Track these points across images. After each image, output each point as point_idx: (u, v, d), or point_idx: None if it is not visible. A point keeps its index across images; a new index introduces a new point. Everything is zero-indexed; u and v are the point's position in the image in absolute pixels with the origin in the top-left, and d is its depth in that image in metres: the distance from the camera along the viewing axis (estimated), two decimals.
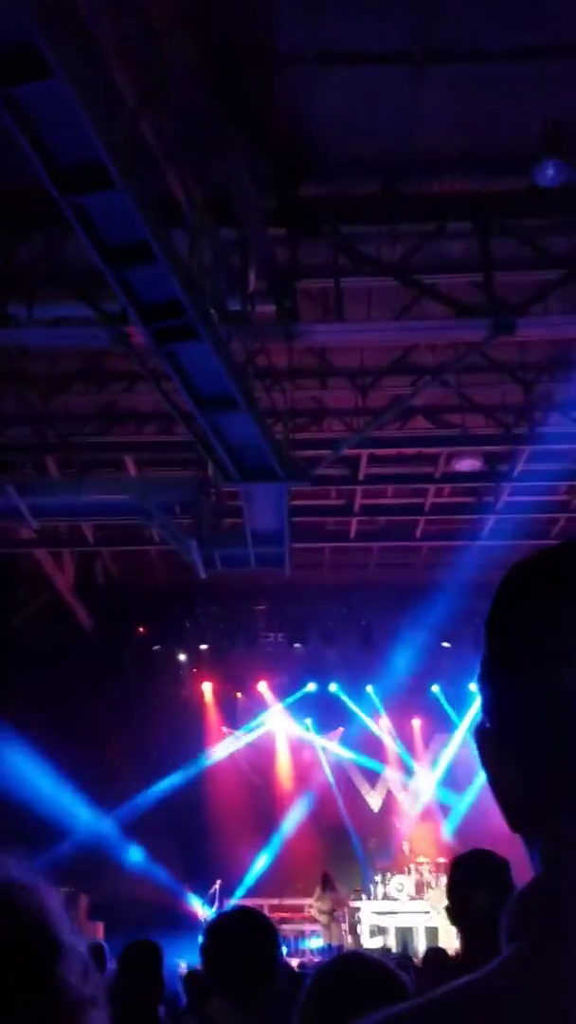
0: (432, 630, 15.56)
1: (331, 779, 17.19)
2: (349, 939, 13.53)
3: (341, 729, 17.34)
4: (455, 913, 2.52)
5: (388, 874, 14.26)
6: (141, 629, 16.94)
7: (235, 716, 17.36)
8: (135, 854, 15.30)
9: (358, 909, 13.99)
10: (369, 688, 17.12)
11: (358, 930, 13.79)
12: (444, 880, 7.74)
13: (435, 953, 6.88)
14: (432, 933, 12.66)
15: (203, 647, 17.07)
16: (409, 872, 14.12)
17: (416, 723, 17.17)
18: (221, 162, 6.90)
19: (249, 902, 13.28)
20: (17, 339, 8.93)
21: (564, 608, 0.67)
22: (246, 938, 2.27)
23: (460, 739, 16.46)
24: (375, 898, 14.05)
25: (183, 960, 10.42)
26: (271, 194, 7.78)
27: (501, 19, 6.48)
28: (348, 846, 16.25)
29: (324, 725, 17.41)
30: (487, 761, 0.70)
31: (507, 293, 8.48)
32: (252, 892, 15.33)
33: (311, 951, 13.51)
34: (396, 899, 13.78)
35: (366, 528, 14.33)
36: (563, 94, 7.00)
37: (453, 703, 16.68)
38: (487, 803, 0.75)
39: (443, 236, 8.43)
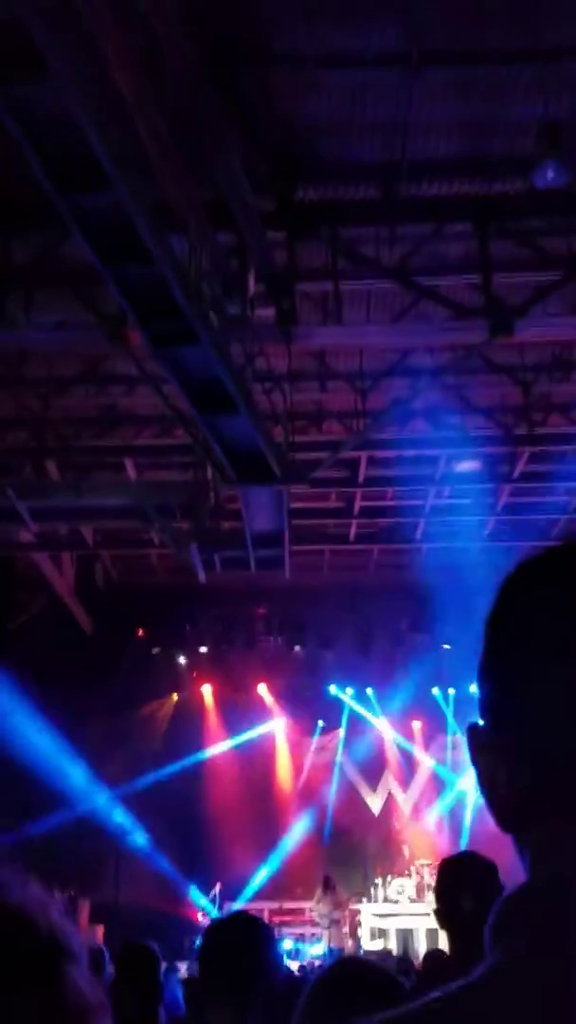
0: (432, 632, 15.55)
1: (331, 782, 17.17)
2: (350, 942, 13.51)
3: (341, 731, 17.33)
4: (443, 916, 2.52)
5: (389, 877, 14.24)
6: (141, 632, 16.93)
7: (235, 718, 17.34)
8: (139, 838, 15.28)
9: (359, 912, 13.98)
10: (369, 691, 17.11)
11: (359, 933, 13.77)
12: None
13: (436, 955, 6.86)
14: (433, 935, 12.62)
15: (203, 650, 17.06)
16: (410, 875, 14.11)
17: (416, 725, 17.15)
18: (219, 164, 6.90)
19: (250, 906, 13.27)
20: (15, 341, 8.93)
21: (563, 605, 0.66)
22: (241, 943, 2.26)
23: (461, 741, 16.44)
24: (376, 901, 14.03)
25: (184, 964, 10.40)
26: (269, 197, 7.79)
27: (497, 20, 6.48)
28: (349, 849, 16.23)
29: (324, 728, 17.40)
30: (478, 759, 0.69)
31: (506, 294, 8.48)
32: (253, 896, 15.30)
33: (312, 955, 13.48)
34: (397, 902, 13.76)
35: (366, 530, 14.33)
36: (561, 95, 7.01)
37: (453, 706, 16.66)
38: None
39: (442, 238, 8.43)
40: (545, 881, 0.63)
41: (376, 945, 13.17)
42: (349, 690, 17.25)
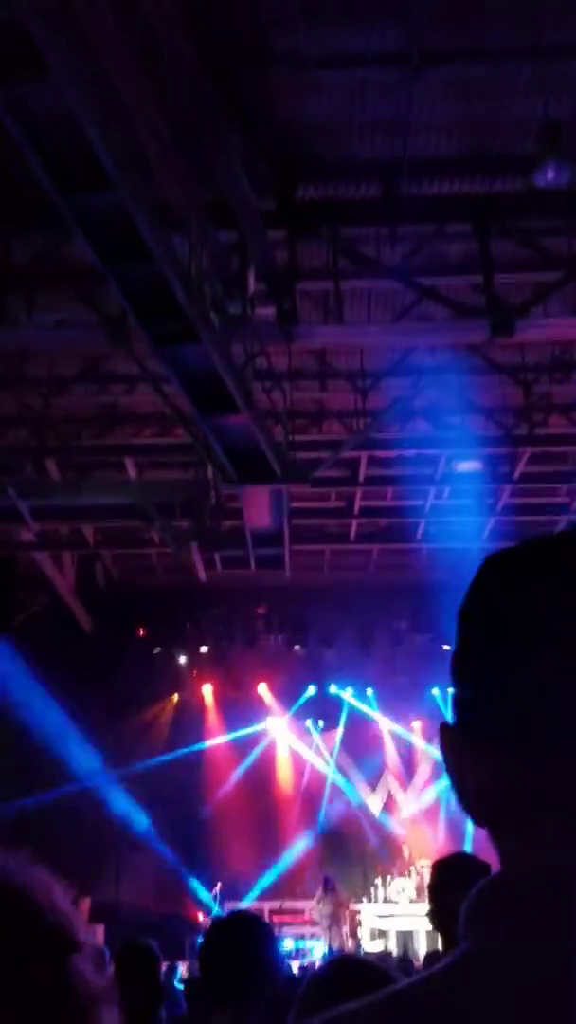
0: (432, 632, 15.55)
1: (331, 782, 17.17)
2: (350, 942, 13.51)
3: (341, 731, 17.32)
4: (437, 916, 2.52)
5: (389, 877, 14.24)
6: (141, 631, 16.93)
7: (235, 717, 17.34)
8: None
9: (359, 912, 13.97)
10: (369, 690, 17.11)
11: (359, 933, 13.77)
12: None
13: (436, 956, 6.86)
14: (433, 936, 12.61)
15: (203, 649, 17.06)
16: (410, 875, 14.11)
17: (416, 725, 17.15)
18: (219, 164, 6.90)
19: (250, 906, 13.27)
20: (17, 340, 8.93)
21: (532, 595, 0.66)
22: (243, 943, 2.26)
23: None
24: (376, 901, 14.03)
25: (184, 963, 10.41)
26: (270, 196, 7.79)
27: (498, 20, 6.48)
28: (348, 849, 16.23)
29: (323, 727, 17.40)
30: (449, 755, 0.69)
31: (507, 294, 8.47)
32: (253, 895, 15.30)
33: (312, 956, 13.48)
34: (397, 902, 13.76)
35: (366, 530, 14.33)
36: (561, 95, 7.00)
37: None
38: None
39: (442, 238, 8.43)
40: (521, 873, 0.63)
41: (376, 946, 13.18)
42: (349, 689, 17.25)
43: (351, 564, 16.02)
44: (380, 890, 14.07)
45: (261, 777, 17.00)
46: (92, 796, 14.66)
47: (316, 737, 17.38)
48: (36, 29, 4.48)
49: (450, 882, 2.51)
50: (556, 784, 0.62)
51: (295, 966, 11.11)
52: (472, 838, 15.42)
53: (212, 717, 17.35)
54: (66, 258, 8.03)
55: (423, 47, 6.59)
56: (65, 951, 0.83)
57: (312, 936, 14.14)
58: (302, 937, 14.15)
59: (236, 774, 16.82)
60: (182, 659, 17.14)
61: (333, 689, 17.21)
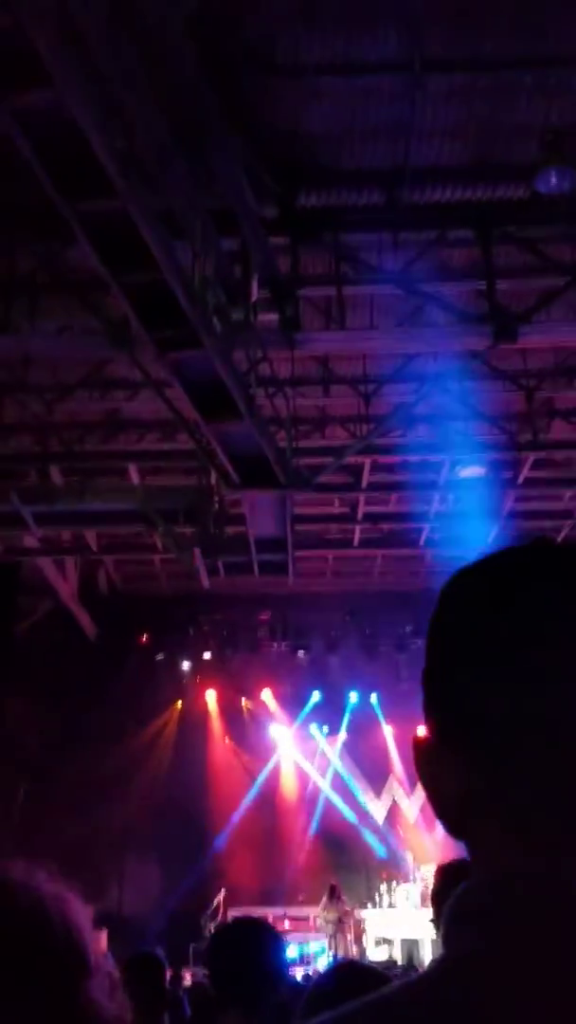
0: None
1: (336, 788, 17.13)
2: (354, 949, 13.45)
3: (345, 737, 17.29)
4: (439, 921, 2.51)
5: (393, 884, 14.19)
6: (144, 637, 16.92)
7: (239, 724, 17.32)
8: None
9: (363, 919, 13.92)
10: (373, 696, 17.07)
11: (363, 940, 13.72)
12: None
13: None
14: (438, 943, 12.57)
15: (206, 655, 17.04)
16: (414, 882, 14.05)
17: (421, 731, 17.08)
18: (222, 171, 6.92)
19: (254, 912, 13.23)
20: (20, 347, 8.95)
21: (500, 607, 0.67)
22: (248, 948, 2.26)
23: None
24: (380, 908, 13.97)
25: (189, 970, 10.37)
26: (272, 203, 7.81)
27: (499, 27, 6.50)
28: (353, 856, 16.18)
29: (327, 734, 17.37)
30: (423, 766, 0.70)
31: (509, 301, 8.48)
32: (257, 902, 15.25)
33: (316, 963, 13.44)
34: (401, 909, 13.70)
35: (369, 536, 14.32)
36: (564, 102, 7.02)
37: None
38: None
39: (445, 244, 8.44)
40: (494, 878, 0.64)
41: (381, 953, 13.12)
42: (353, 695, 17.22)
43: (355, 570, 16.01)
44: (385, 897, 14.02)
45: (264, 783, 16.97)
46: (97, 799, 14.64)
47: (322, 742, 17.36)
48: (39, 39, 4.51)
49: (452, 888, 2.50)
50: (521, 789, 0.63)
51: (299, 973, 11.06)
52: None
53: (215, 724, 17.33)
54: (69, 265, 8.05)
55: (425, 54, 6.61)
56: (77, 976, 0.81)
57: (316, 944, 14.09)
58: (306, 944, 14.10)
59: (239, 781, 16.79)
60: (185, 665, 17.12)
61: (337, 696, 17.19)
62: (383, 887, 14.22)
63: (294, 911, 14.81)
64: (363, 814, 16.87)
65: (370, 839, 16.45)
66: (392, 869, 15.10)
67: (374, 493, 12.76)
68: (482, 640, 0.66)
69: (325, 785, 17.13)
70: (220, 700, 17.34)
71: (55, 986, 0.79)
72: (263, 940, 2.33)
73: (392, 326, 8.95)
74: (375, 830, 16.62)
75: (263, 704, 17.37)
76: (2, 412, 11.07)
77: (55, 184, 5.36)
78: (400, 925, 13.46)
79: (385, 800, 17.07)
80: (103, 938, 12.57)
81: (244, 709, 17.49)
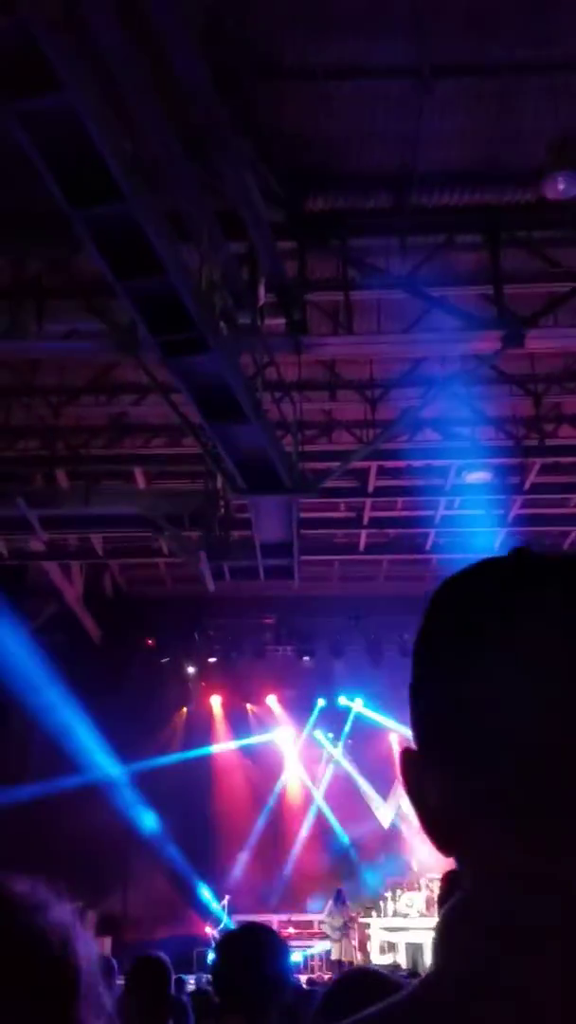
0: None
1: (340, 794, 17.08)
2: (359, 955, 13.41)
3: (350, 742, 17.25)
4: None
5: (398, 890, 14.14)
6: (149, 641, 16.92)
7: (244, 728, 17.30)
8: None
9: (368, 925, 13.88)
10: (378, 702, 17.03)
11: (368, 946, 13.68)
12: None
13: None
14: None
15: (211, 660, 17.03)
16: (419, 888, 14.00)
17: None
18: (230, 175, 6.93)
19: (258, 918, 13.19)
20: (27, 351, 8.98)
21: (480, 619, 0.67)
22: (254, 954, 2.25)
23: None
24: (385, 914, 13.93)
25: (192, 976, 10.35)
26: (280, 207, 7.82)
27: (508, 32, 6.50)
28: (357, 862, 16.13)
29: (333, 739, 17.34)
30: (408, 779, 0.69)
31: (517, 305, 8.47)
32: (261, 908, 15.22)
33: (321, 968, 13.40)
34: (406, 915, 13.66)
35: (375, 540, 14.30)
36: (572, 106, 7.01)
37: None
38: None
39: (452, 248, 8.44)
40: (478, 891, 0.64)
41: (385, 959, 13.08)
42: (358, 701, 17.18)
43: (360, 575, 15.99)
44: (390, 903, 13.97)
45: (270, 789, 16.94)
46: (102, 803, 14.64)
47: (329, 747, 17.33)
48: (48, 44, 4.52)
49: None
50: (504, 801, 0.62)
51: (303, 979, 11.02)
52: None
53: (220, 728, 17.31)
54: (76, 269, 8.08)
55: (434, 59, 6.61)
56: (67, 999, 0.80)
57: (321, 949, 14.05)
58: (311, 949, 14.06)
59: (245, 787, 16.76)
60: (190, 669, 17.12)
61: (342, 701, 17.15)
62: (388, 894, 14.17)
63: (298, 916, 14.77)
64: (369, 820, 16.80)
65: (376, 844, 16.38)
66: (397, 876, 15.05)
67: (380, 498, 12.75)
68: (460, 644, 0.67)
69: (318, 796, 17.06)
70: (225, 704, 17.32)
71: (42, 1009, 0.79)
72: (267, 946, 2.32)
73: (399, 330, 8.95)
74: (380, 836, 16.54)
75: (268, 709, 17.34)
76: (9, 415, 11.11)
77: (62, 188, 5.37)
78: (405, 931, 13.42)
79: (391, 806, 17.02)
80: (106, 943, 12.58)
81: (249, 713, 17.47)
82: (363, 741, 17.18)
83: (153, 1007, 3.33)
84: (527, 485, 12.06)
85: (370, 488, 12.28)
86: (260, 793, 16.83)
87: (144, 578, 16.11)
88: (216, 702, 17.33)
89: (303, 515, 10.54)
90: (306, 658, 17.01)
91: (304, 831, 16.60)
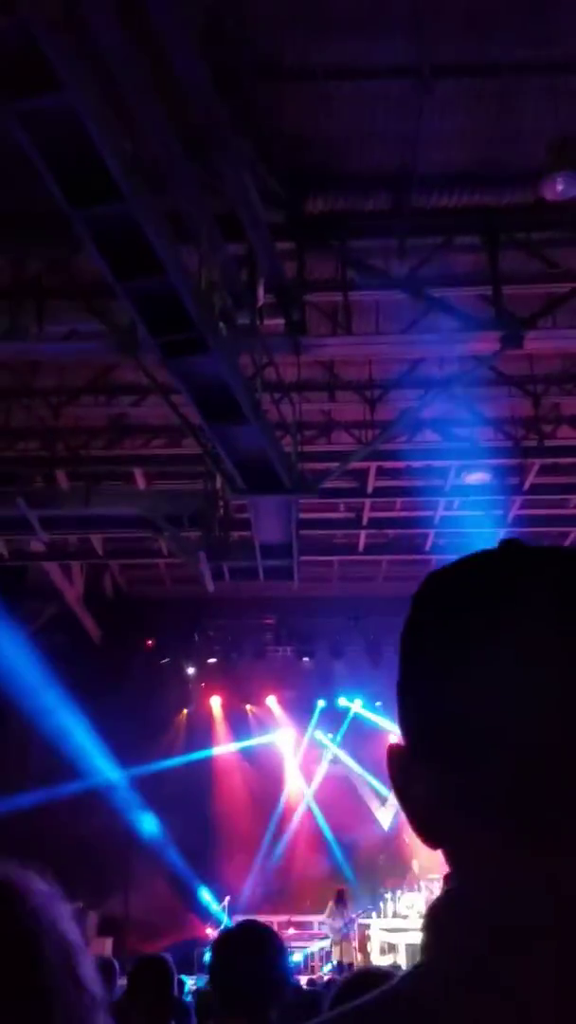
0: None
1: (340, 795, 17.07)
2: (359, 956, 13.40)
3: (350, 743, 17.25)
4: None
5: (399, 891, 14.14)
6: (149, 642, 16.92)
7: (244, 729, 17.29)
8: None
9: (368, 926, 13.88)
10: (378, 703, 17.03)
11: (368, 947, 13.67)
12: None
13: None
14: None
15: (211, 660, 17.03)
16: (419, 889, 13.99)
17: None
18: (229, 176, 6.93)
19: (259, 918, 13.15)
20: (27, 352, 8.97)
21: (466, 613, 0.67)
22: (252, 954, 2.24)
23: None
24: (385, 916, 13.92)
25: (192, 978, 10.34)
26: (279, 208, 7.82)
27: (508, 32, 6.51)
28: (357, 863, 16.12)
29: (333, 740, 17.33)
30: (395, 776, 0.69)
31: (515, 306, 8.48)
32: (261, 909, 15.21)
33: (321, 970, 13.39)
34: (406, 916, 13.65)
35: (375, 541, 14.30)
36: (572, 107, 7.02)
37: None
38: None
39: (451, 249, 8.45)
40: (464, 887, 0.64)
41: (386, 960, 13.06)
42: (358, 701, 17.18)
43: (360, 576, 15.99)
44: (389, 904, 13.97)
45: (270, 790, 16.93)
46: (103, 806, 14.65)
47: (333, 748, 17.33)
48: (48, 44, 4.52)
49: None
50: (491, 798, 0.62)
51: (303, 980, 11.01)
52: None
53: (220, 730, 17.30)
54: (76, 269, 8.08)
55: (434, 59, 6.62)
56: (53, 1003, 0.79)
57: (321, 950, 14.03)
58: (310, 951, 14.05)
59: (244, 787, 16.76)
60: (190, 670, 17.11)
61: (342, 702, 17.14)
62: (388, 895, 14.17)
63: (298, 918, 14.77)
64: (369, 821, 16.79)
65: (376, 845, 16.38)
66: (397, 877, 15.05)
67: (380, 499, 12.75)
68: (449, 646, 0.67)
69: (330, 792, 17.06)
70: (225, 705, 17.32)
71: (23, 1008, 0.78)
72: (267, 946, 2.32)
73: (398, 331, 8.95)
74: (380, 837, 16.53)
75: (268, 710, 17.33)
76: (9, 416, 11.11)
77: (62, 188, 5.37)
78: (405, 932, 13.41)
79: (391, 807, 17.01)
80: (108, 944, 12.57)
81: (249, 715, 17.46)
82: (363, 742, 17.17)
83: (156, 1007, 3.33)
84: (526, 486, 12.06)
85: (369, 489, 12.28)
86: (261, 795, 16.82)
87: (144, 578, 16.10)
88: (216, 703, 17.32)
89: (303, 516, 10.54)
90: (306, 659, 17.01)
91: (305, 832, 16.58)
